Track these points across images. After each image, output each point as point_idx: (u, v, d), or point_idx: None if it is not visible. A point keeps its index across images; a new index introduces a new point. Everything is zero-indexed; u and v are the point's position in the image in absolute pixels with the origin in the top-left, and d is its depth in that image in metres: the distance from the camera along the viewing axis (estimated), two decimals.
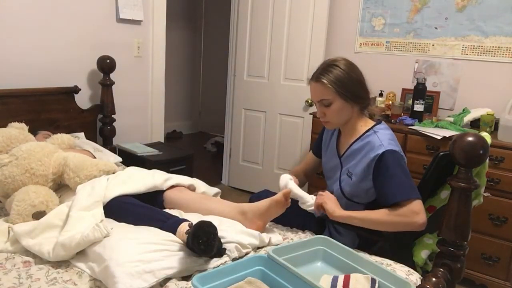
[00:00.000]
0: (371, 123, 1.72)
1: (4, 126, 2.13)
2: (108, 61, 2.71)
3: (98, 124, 2.85)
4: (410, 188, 1.55)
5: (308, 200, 1.72)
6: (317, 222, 1.82)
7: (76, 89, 2.69)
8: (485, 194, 1.71)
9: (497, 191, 2.31)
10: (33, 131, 2.19)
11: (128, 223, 1.56)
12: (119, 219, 1.59)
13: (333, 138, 1.85)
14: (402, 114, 2.83)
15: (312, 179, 2.83)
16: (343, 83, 1.63)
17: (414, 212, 1.50)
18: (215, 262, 1.38)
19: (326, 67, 1.67)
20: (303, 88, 3.31)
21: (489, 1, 2.68)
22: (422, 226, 1.51)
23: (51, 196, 1.74)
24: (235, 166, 3.86)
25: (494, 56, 2.71)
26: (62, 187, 1.90)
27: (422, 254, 1.66)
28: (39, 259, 1.45)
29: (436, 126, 2.60)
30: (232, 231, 1.50)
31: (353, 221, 1.61)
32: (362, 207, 1.70)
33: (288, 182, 1.74)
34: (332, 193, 1.77)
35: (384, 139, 1.62)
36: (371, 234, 1.68)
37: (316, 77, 1.67)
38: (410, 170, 2.59)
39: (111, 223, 1.55)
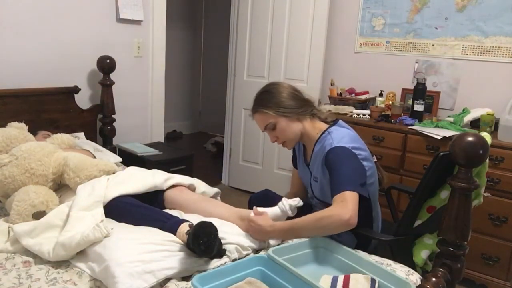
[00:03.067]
0: (324, 126, 1.74)
1: (4, 126, 2.13)
2: (108, 61, 2.71)
3: (98, 124, 2.84)
4: (347, 180, 1.48)
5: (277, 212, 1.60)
6: None
7: (76, 89, 2.69)
8: (485, 194, 1.71)
9: (497, 191, 2.31)
10: (33, 131, 2.18)
11: (128, 223, 1.56)
12: (119, 219, 1.59)
13: (300, 151, 1.89)
14: (402, 114, 2.83)
15: None
16: (277, 102, 1.69)
17: (342, 207, 1.41)
18: (215, 262, 1.38)
19: (258, 97, 1.75)
20: (303, 88, 3.29)
21: (489, 1, 2.68)
22: (349, 222, 1.39)
23: (51, 196, 1.74)
24: (235, 166, 3.86)
25: (494, 56, 2.71)
26: (62, 187, 1.90)
27: (422, 254, 1.66)
28: (39, 259, 1.44)
29: (436, 126, 2.59)
30: (233, 233, 1.50)
31: (286, 236, 1.51)
32: None
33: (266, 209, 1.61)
34: (312, 198, 1.81)
35: (336, 137, 1.62)
36: (369, 234, 1.68)
37: (253, 109, 1.76)
38: (410, 170, 2.59)
39: (111, 223, 1.55)
